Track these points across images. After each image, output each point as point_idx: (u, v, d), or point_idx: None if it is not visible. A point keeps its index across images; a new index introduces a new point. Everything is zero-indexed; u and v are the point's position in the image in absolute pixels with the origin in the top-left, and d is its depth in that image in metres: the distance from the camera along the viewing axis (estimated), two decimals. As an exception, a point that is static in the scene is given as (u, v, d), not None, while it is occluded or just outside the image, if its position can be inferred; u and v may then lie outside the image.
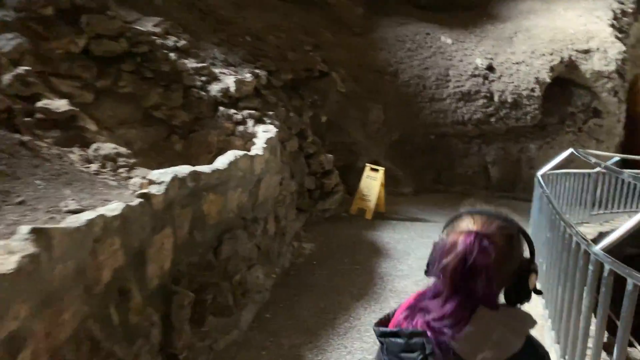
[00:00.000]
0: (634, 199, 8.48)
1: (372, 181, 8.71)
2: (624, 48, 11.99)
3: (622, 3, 13.49)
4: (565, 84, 11.88)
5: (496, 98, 11.06)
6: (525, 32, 12.42)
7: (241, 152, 5.19)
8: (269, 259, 5.69)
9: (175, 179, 4.09)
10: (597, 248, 2.50)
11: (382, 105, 10.82)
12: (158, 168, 4.42)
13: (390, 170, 9.67)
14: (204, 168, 4.59)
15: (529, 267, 1.33)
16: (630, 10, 13.53)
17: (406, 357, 1.28)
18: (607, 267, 2.33)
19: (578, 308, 2.99)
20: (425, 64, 11.38)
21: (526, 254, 1.37)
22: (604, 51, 11.88)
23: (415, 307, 1.36)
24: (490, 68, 11.38)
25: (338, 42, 11.63)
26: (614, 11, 13.16)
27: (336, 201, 8.62)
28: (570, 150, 6.20)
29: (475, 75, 11.21)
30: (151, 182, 4.03)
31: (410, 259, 6.61)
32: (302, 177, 8.16)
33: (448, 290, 1.28)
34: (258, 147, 5.82)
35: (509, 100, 11.04)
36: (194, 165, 4.76)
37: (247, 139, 6.88)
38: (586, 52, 11.90)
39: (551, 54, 11.74)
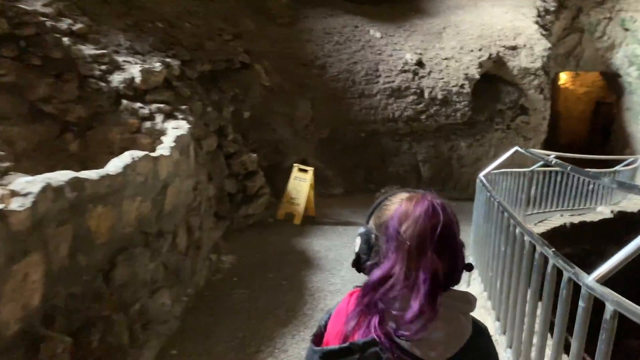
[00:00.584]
0: (567, 198, 8.38)
1: (301, 183, 8.00)
2: (549, 45, 12.07)
3: (545, 1, 13.66)
4: (493, 80, 11.77)
5: (426, 94, 10.71)
6: (454, 28, 12.21)
7: (141, 153, 4.27)
8: (179, 279, 4.81)
9: (47, 188, 3.16)
10: (591, 279, 1.91)
11: (310, 100, 10.15)
12: (48, 172, 3.46)
13: (319, 170, 9.02)
14: (90, 174, 3.64)
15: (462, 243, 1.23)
16: (552, 9, 13.73)
17: None
18: (609, 307, 1.73)
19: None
20: (355, 58, 10.83)
21: None
22: (530, 48, 11.88)
23: (365, 310, 1.16)
24: (420, 63, 11.02)
25: (262, 32, 10.82)
26: (537, 9, 13.28)
27: (261, 205, 7.82)
28: (515, 148, 5.83)
29: (405, 71, 10.80)
30: (14, 194, 3.08)
31: (343, 269, 5.94)
32: (221, 179, 7.29)
33: (408, 269, 1.12)
34: (165, 147, 4.91)
35: (439, 96, 10.73)
36: (91, 168, 3.83)
37: (156, 137, 5.93)
38: (513, 48, 11.85)
39: (480, 50, 11.58)
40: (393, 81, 10.63)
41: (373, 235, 1.24)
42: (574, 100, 19.88)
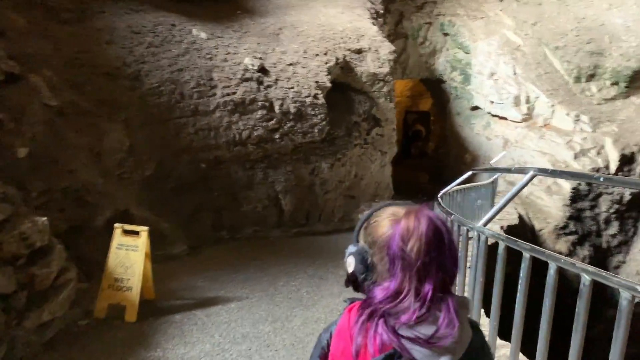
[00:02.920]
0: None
1: (130, 253, 5.04)
2: (393, 48, 10.90)
3: (373, 3, 12.65)
4: (342, 89, 10.12)
5: (277, 108, 8.50)
6: (292, 29, 10.28)
7: None
8: None
9: None
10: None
11: (123, 124, 7.12)
12: None
13: (149, 223, 6.10)
14: None
15: None
16: (381, 11, 12.79)
17: None
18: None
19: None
20: (179, 64, 8.10)
21: None
22: (375, 51, 10.55)
23: (367, 319, 1.17)
24: (263, 70, 8.78)
25: (39, 30, 7.43)
26: (369, 10, 12.18)
27: (64, 303, 4.66)
28: (470, 172, 5.10)
29: (247, 79, 8.44)
30: None
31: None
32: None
33: (409, 281, 1.15)
34: None
35: (292, 110, 8.61)
36: None
37: None
38: (359, 52, 10.38)
39: (325, 54, 9.83)
40: (234, 92, 8.18)
41: (368, 254, 1.26)
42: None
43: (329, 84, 9.32)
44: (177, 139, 7.57)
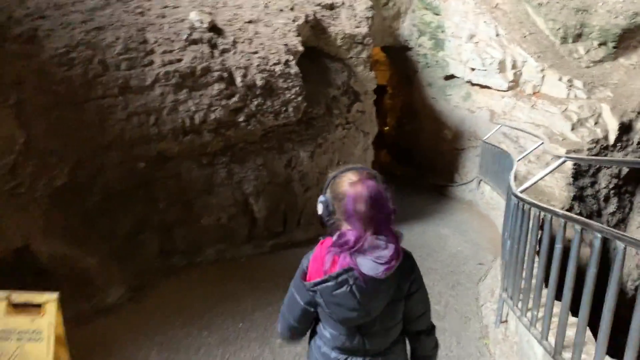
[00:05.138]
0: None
1: (29, 346, 2.77)
2: (370, 3, 8.82)
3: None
4: (315, 55, 7.99)
5: (238, 80, 6.25)
6: (244, -22, 7.95)
7: None
8: None
9: None
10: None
11: (14, 109, 4.65)
12: None
13: (65, 262, 3.76)
14: None
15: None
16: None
17: (337, 293, 1.73)
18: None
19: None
20: (97, 21, 5.62)
21: None
22: (350, 7, 8.46)
23: (337, 250, 1.74)
24: (216, 29, 6.46)
25: None
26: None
27: None
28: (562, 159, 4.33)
29: (195, 42, 6.11)
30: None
31: None
32: None
33: (366, 227, 1.73)
34: None
35: (259, 82, 6.39)
36: None
37: None
38: (331, 7, 8.25)
39: (292, 9, 7.63)
40: (179, 59, 5.83)
41: (331, 204, 1.82)
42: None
43: (301, 48, 7.14)
44: (101, 129, 5.17)
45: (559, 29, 11.37)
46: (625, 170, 10.35)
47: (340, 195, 1.76)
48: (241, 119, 6.15)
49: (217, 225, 5.86)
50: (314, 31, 7.87)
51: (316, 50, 7.98)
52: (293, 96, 6.68)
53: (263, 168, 6.36)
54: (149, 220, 5.35)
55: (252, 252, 6.17)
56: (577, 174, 10.08)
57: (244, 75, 6.28)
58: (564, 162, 4.58)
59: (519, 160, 7.63)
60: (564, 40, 11.36)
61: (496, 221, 8.66)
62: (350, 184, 1.73)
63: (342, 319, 1.78)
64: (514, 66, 11.03)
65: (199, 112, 5.77)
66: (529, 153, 8.12)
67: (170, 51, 5.83)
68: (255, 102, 6.30)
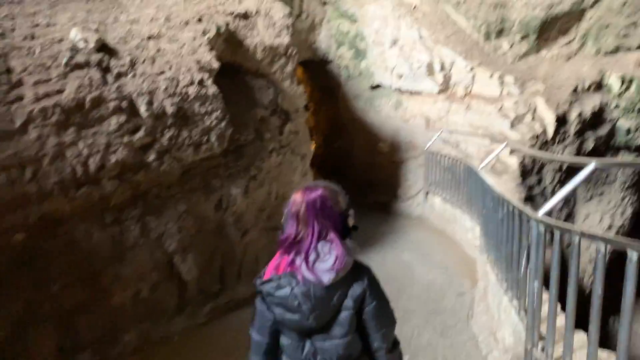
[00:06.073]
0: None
1: None
2: (287, 9, 7.80)
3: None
4: (234, 72, 6.81)
5: (142, 109, 4.92)
6: (137, -11, 6.65)
7: None
8: None
9: None
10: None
11: None
12: None
13: None
14: None
15: (347, 212, 1.92)
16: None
17: (279, 294, 1.80)
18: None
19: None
20: None
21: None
22: (267, 15, 7.39)
23: (284, 254, 1.87)
24: (107, 49, 5.11)
25: None
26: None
27: None
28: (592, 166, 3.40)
29: (80, 66, 4.73)
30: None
31: None
32: None
33: (300, 229, 1.85)
34: None
35: (169, 109, 5.10)
36: None
37: None
38: (245, 16, 7.13)
39: (199, 21, 6.42)
40: (59, 91, 4.42)
41: (284, 215, 1.93)
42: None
43: (216, 64, 5.94)
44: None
45: (481, 25, 11.00)
46: (565, 163, 10.02)
47: (286, 203, 1.94)
48: (151, 157, 4.82)
49: (135, 300, 4.45)
50: (228, 44, 6.70)
51: (234, 67, 6.81)
52: (214, 122, 5.44)
53: (187, 216, 5.04)
54: (38, 311, 3.87)
55: (187, 325, 4.82)
56: (524, 173, 9.59)
57: (150, 103, 4.96)
58: (593, 169, 3.40)
59: (482, 167, 6.85)
60: (487, 36, 11.00)
61: (456, 237, 7.85)
62: (294, 192, 1.93)
63: (284, 320, 1.83)
64: (442, 68, 10.46)
65: (94, 155, 4.39)
66: (493, 157, 7.41)
67: (46, 81, 4.42)
68: (168, 135, 5.00)
